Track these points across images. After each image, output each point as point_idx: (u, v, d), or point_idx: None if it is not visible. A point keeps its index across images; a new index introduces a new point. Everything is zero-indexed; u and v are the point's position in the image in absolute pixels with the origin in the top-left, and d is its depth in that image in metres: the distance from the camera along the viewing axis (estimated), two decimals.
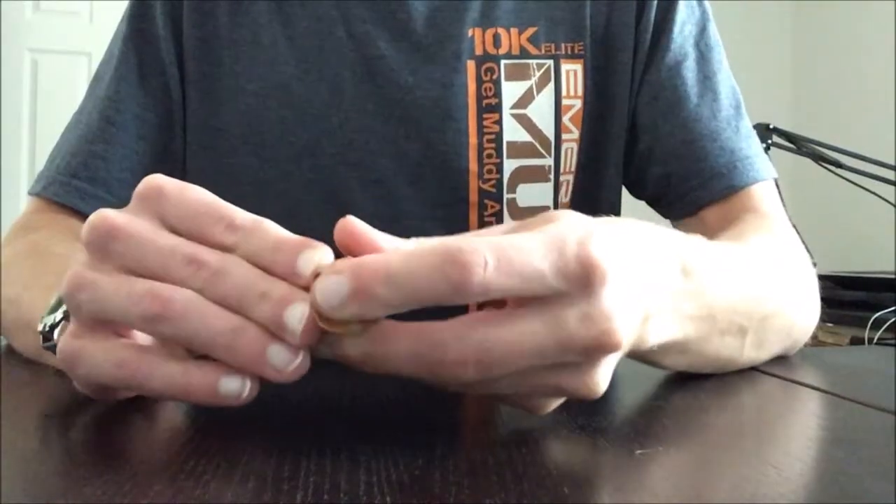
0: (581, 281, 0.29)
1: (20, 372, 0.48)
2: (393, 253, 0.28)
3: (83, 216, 0.63)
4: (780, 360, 0.56)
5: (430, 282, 0.27)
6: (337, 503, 0.25)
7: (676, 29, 0.68)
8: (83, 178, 0.64)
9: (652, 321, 0.36)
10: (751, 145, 0.68)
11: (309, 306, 0.29)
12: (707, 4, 0.72)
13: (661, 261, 0.37)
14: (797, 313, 0.55)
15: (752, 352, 0.49)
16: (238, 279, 0.30)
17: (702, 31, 0.70)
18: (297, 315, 0.29)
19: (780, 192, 0.70)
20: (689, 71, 0.68)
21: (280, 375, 0.29)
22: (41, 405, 0.41)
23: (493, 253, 0.27)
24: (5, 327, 0.53)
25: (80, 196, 0.64)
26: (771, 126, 1.80)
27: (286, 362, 0.29)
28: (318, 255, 0.30)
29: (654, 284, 0.35)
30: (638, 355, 0.39)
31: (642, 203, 0.73)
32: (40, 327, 0.40)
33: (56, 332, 0.40)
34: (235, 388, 0.30)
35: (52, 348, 0.40)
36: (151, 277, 0.31)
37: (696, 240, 0.44)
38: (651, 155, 0.69)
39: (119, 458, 0.30)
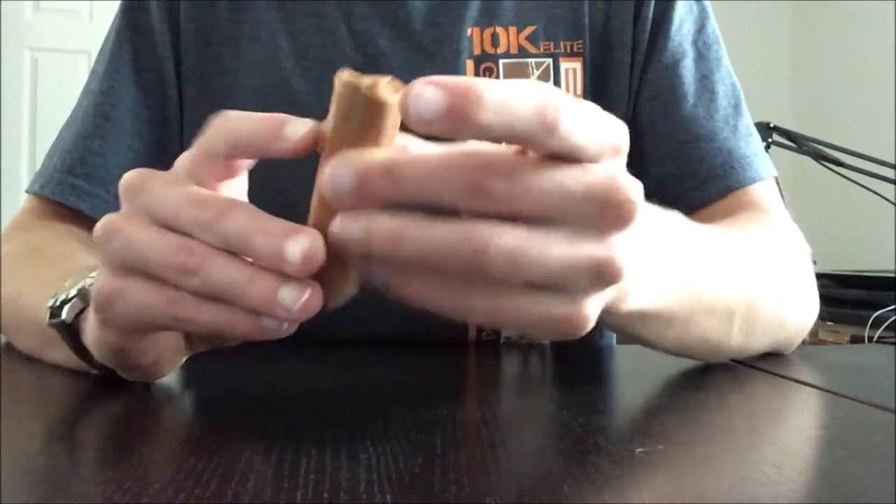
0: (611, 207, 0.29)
1: (20, 372, 0.48)
2: (491, 83, 0.27)
3: (80, 214, 0.63)
4: (780, 358, 0.56)
5: (526, 116, 0.27)
6: (337, 501, 0.25)
7: (674, 27, 0.68)
8: (80, 175, 0.64)
9: (631, 284, 0.35)
10: (749, 144, 0.67)
11: (306, 237, 0.30)
12: (706, 2, 0.72)
13: (647, 228, 0.37)
14: (790, 306, 0.55)
15: (740, 338, 0.49)
16: (240, 221, 0.32)
17: (700, 28, 0.70)
18: (297, 246, 0.30)
19: (780, 191, 0.70)
20: (687, 70, 0.68)
21: (290, 314, 0.31)
22: (41, 405, 0.41)
23: (577, 105, 0.28)
24: (4, 325, 0.53)
25: (76, 194, 0.63)
26: (771, 125, 1.80)
27: (294, 300, 0.31)
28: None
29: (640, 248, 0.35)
30: (620, 323, 0.39)
31: None
32: (50, 303, 0.42)
33: (66, 308, 0.41)
34: (275, 322, 0.32)
35: (58, 325, 0.41)
36: (171, 228, 0.33)
37: (681, 218, 0.44)
38: (648, 156, 0.68)
39: (119, 456, 0.30)
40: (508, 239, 0.28)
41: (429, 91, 0.26)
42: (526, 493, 0.25)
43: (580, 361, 0.60)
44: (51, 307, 0.42)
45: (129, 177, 0.35)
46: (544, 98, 0.27)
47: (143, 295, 0.33)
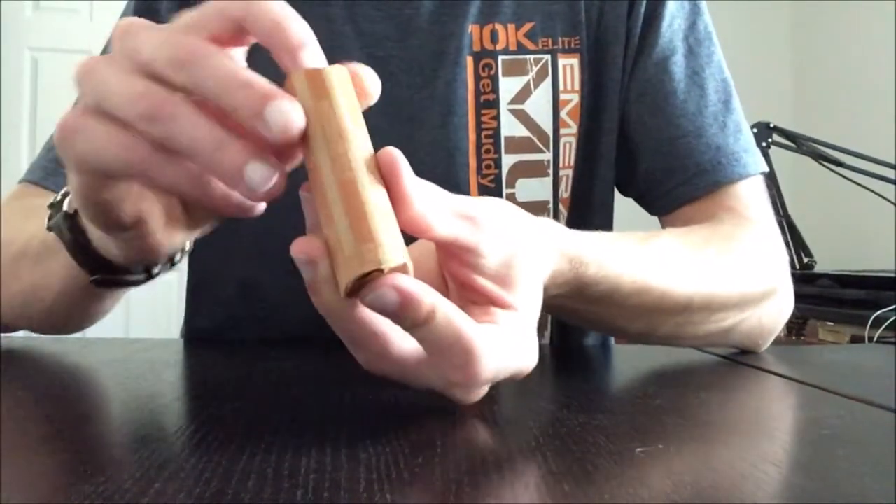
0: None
1: (20, 371, 0.48)
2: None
3: None
4: (780, 357, 0.56)
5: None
6: (337, 501, 0.25)
7: (665, 23, 0.68)
8: None
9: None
10: (738, 140, 0.67)
11: (291, 104, 0.30)
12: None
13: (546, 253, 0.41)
14: (744, 309, 0.57)
15: (662, 341, 0.55)
16: (220, 67, 0.31)
17: (692, 25, 0.70)
18: (278, 109, 0.29)
19: (778, 188, 0.70)
20: (677, 66, 0.68)
21: (253, 193, 0.30)
22: (41, 404, 0.41)
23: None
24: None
25: None
26: (771, 125, 1.80)
27: (261, 179, 0.30)
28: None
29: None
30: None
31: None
32: (51, 200, 0.43)
33: (66, 202, 0.42)
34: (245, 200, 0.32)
35: (57, 223, 0.43)
36: (148, 71, 0.32)
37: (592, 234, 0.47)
38: (638, 151, 0.69)
39: (119, 456, 0.30)
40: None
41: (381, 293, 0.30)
42: (526, 493, 0.25)
43: (580, 361, 0.60)
44: (50, 205, 0.42)
45: (120, 22, 0.34)
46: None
47: (103, 135, 0.32)
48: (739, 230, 0.61)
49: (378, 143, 0.32)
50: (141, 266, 0.45)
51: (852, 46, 2.88)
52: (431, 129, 0.66)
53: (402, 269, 0.31)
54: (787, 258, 0.64)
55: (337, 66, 0.32)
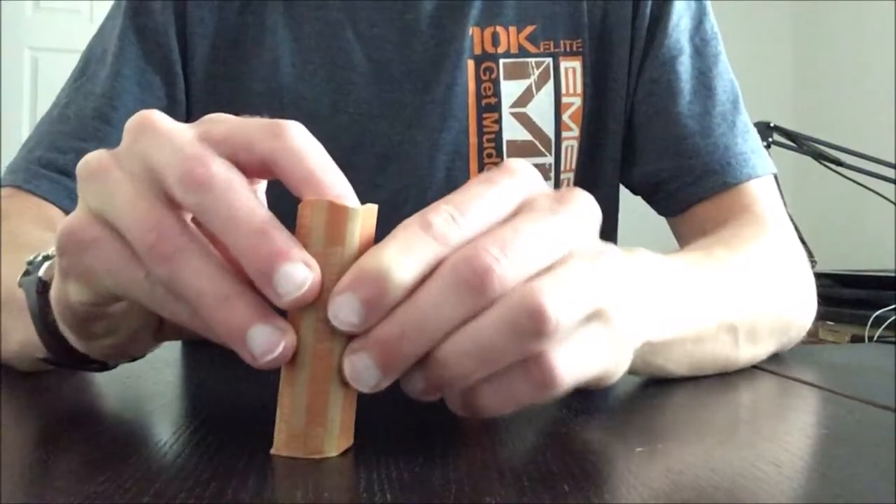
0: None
1: (20, 371, 0.48)
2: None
3: (63, 210, 0.60)
4: (780, 357, 0.56)
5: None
6: (337, 501, 0.25)
7: (671, 24, 0.68)
8: (74, 177, 0.62)
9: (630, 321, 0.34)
10: (747, 140, 0.67)
11: (307, 271, 0.27)
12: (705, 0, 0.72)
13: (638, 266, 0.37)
14: (791, 311, 0.56)
15: (748, 349, 0.50)
16: (237, 205, 0.27)
17: (698, 25, 0.70)
18: (293, 276, 0.26)
19: (779, 188, 0.70)
20: (684, 66, 0.68)
21: (254, 360, 0.27)
22: (41, 405, 0.41)
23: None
24: None
25: (68, 195, 0.60)
26: (772, 124, 1.80)
27: (264, 347, 0.27)
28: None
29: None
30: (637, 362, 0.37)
31: (638, 199, 0.73)
32: (29, 258, 0.38)
33: (45, 265, 0.37)
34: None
35: (29, 284, 0.38)
36: (159, 180, 0.28)
37: (670, 257, 0.44)
38: (645, 151, 0.69)
39: (119, 456, 0.30)
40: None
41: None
42: (526, 493, 0.25)
43: None
44: (28, 262, 0.38)
45: (138, 115, 0.30)
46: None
47: (112, 256, 0.29)
48: (761, 227, 0.60)
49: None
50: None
51: (853, 46, 2.88)
52: (432, 133, 0.66)
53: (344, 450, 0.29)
54: (807, 263, 0.62)
55: (366, 207, 0.29)
